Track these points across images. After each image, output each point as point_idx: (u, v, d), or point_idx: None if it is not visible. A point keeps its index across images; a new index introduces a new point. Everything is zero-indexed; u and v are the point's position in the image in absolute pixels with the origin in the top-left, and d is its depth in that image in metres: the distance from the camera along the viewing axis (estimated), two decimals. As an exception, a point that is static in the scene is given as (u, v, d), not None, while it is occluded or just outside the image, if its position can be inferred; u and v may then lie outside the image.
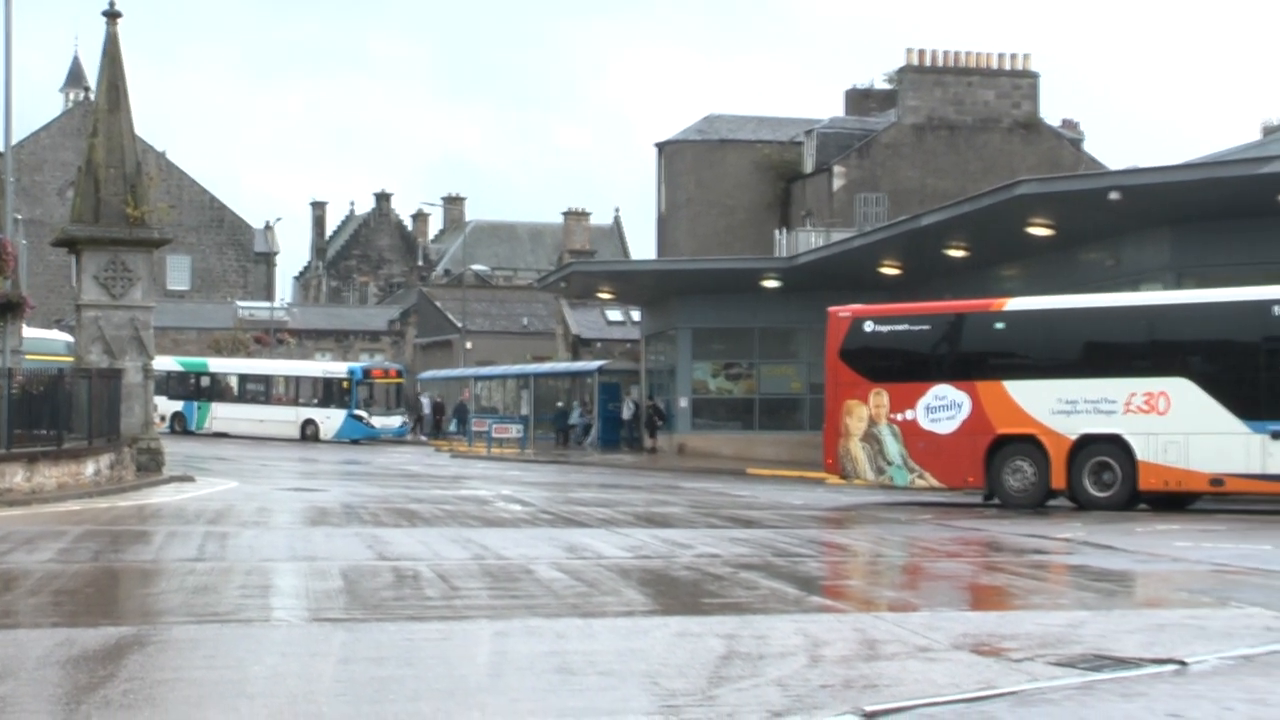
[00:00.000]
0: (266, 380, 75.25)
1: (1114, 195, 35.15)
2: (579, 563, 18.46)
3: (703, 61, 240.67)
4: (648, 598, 15.46)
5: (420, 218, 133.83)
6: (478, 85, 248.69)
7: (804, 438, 50.96)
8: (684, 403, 58.50)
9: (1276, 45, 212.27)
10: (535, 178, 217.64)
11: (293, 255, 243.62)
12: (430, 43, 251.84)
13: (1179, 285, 36.24)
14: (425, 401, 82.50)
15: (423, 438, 77.05)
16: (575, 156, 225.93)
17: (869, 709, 9.37)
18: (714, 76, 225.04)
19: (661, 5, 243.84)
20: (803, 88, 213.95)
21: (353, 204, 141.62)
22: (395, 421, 73.64)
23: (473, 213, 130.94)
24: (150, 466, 35.02)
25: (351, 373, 73.18)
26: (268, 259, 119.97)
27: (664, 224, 74.74)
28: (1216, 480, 28.18)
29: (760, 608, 14.53)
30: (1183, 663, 11.14)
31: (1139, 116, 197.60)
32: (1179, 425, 28.26)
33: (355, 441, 69.81)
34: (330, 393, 72.21)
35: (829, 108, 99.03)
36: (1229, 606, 14.54)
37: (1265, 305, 28.33)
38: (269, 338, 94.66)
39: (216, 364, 77.94)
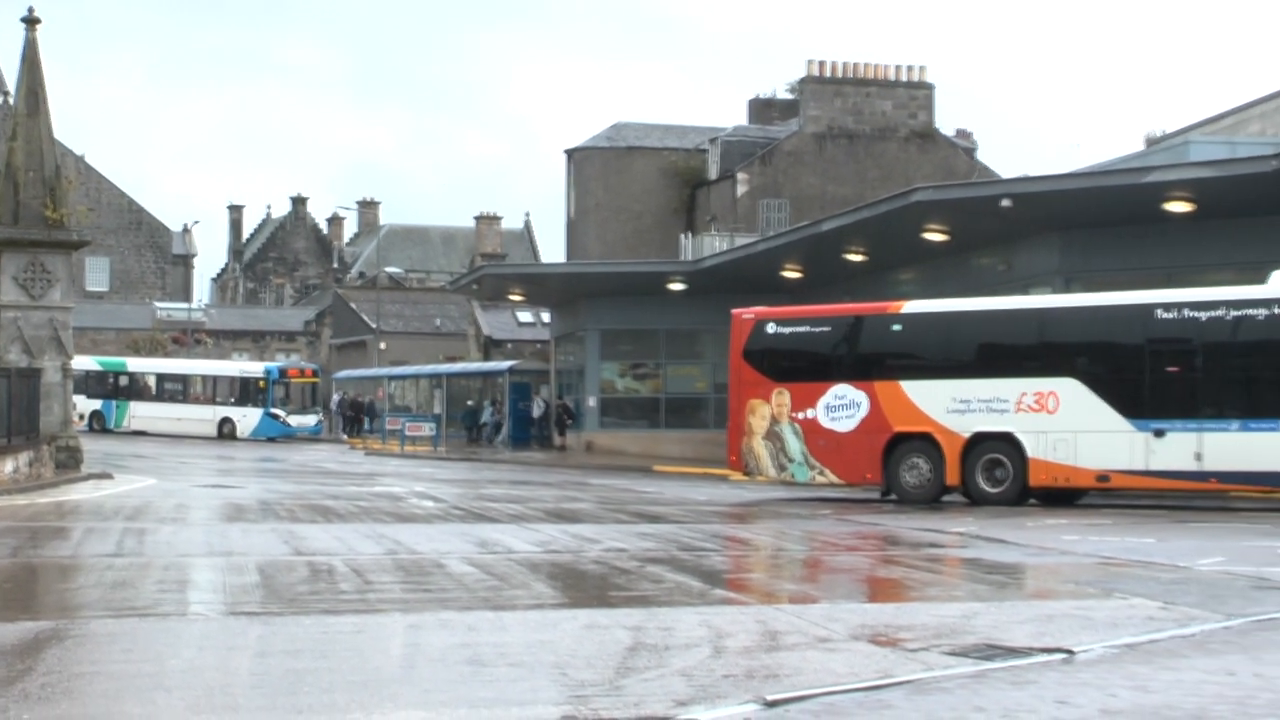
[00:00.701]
0: (184, 380, 74.74)
1: (1005, 203, 35.42)
2: (490, 557, 18.41)
3: (607, 70, 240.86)
4: (557, 591, 15.44)
5: (335, 221, 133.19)
6: (388, 92, 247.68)
7: (708, 436, 51.06)
8: (592, 402, 58.49)
9: (1158, 60, 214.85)
10: (446, 183, 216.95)
11: (210, 257, 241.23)
12: (340, 50, 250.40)
13: (1067, 289, 36.56)
14: (335, 399, 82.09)
15: (343, 436, 76.59)
16: (484, 162, 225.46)
17: (771, 698, 9.38)
18: (619, 85, 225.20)
19: (564, 16, 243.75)
20: (707, 97, 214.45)
21: (269, 208, 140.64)
22: (311, 420, 73.42)
23: (387, 216, 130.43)
24: (69, 464, 34.64)
25: (268, 372, 72.75)
26: (185, 261, 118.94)
27: (573, 228, 74.68)
28: (1103, 476, 28.45)
29: (666, 600, 14.53)
30: (1070, 652, 11.22)
31: (1029, 127, 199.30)
32: (1068, 424, 28.51)
33: (271, 439, 69.45)
34: (247, 392, 71.82)
35: (733, 116, 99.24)
36: (1114, 597, 14.65)
37: (1149, 308, 28.62)
38: (187, 338, 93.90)
39: (135, 364, 77.30)
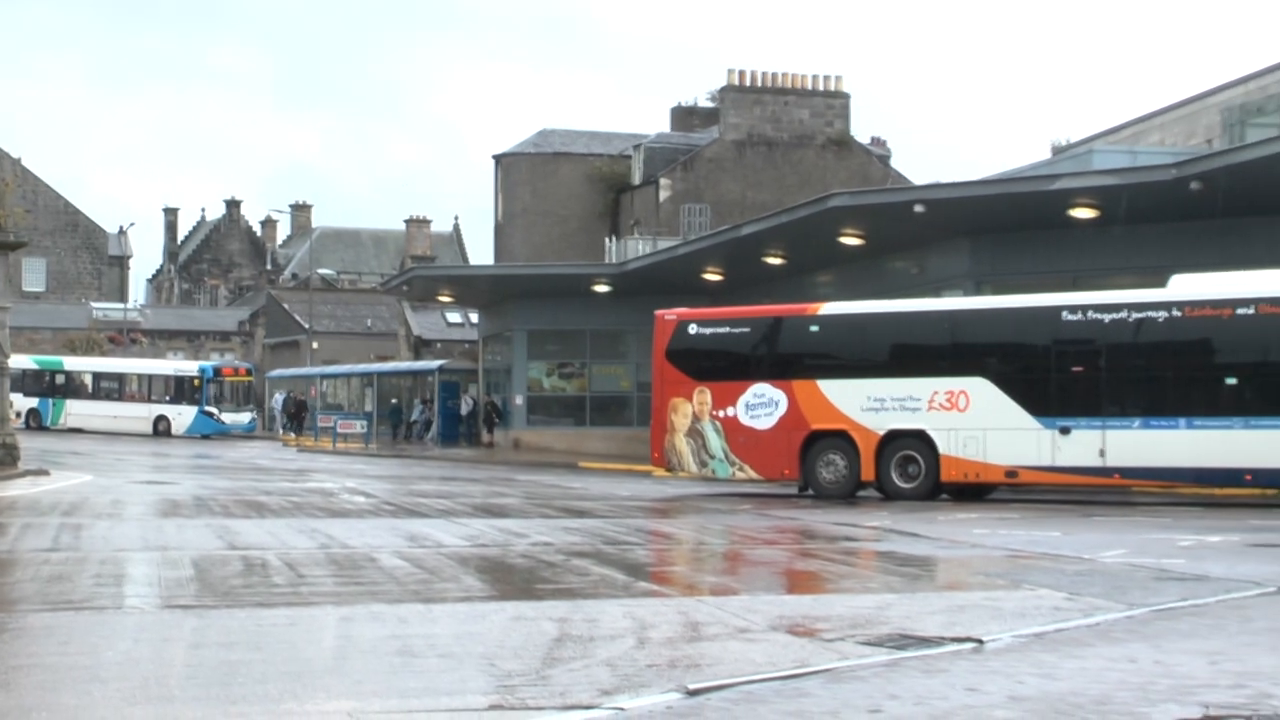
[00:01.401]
0: (120, 378, 74.24)
1: (918, 208, 35.63)
2: (420, 551, 18.35)
3: (531, 78, 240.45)
4: (485, 584, 15.40)
5: (269, 224, 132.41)
6: (315, 96, 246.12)
7: (632, 433, 51.04)
8: (519, 400, 58.40)
9: (1064, 71, 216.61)
10: (375, 186, 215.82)
11: (146, 259, 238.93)
12: (268, 55, 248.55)
13: (978, 292, 36.79)
14: (279, 398, 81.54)
15: (288, 433, 76.07)
16: (412, 166, 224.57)
17: (693, 687, 9.39)
18: (544, 92, 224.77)
19: (487, 23, 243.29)
20: (631, 105, 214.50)
21: (204, 210, 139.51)
22: (245, 417, 73.07)
23: (319, 219, 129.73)
24: (6, 461, 34.29)
25: (203, 371, 72.34)
26: (121, 262, 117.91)
27: (501, 232, 74.53)
28: (1011, 472, 28.64)
29: (591, 593, 14.53)
30: (980, 641, 11.28)
31: (941, 135, 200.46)
32: (978, 421, 28.68)
33: (206, 436, 69.08)
34: (182, 390, 71.42)
35: (656, 123, 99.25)
36: (1022, 588, 14.75)
37: (1055, 310, 28.86)
38: (123, 337, 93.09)
39: (72, 362, 76.66)
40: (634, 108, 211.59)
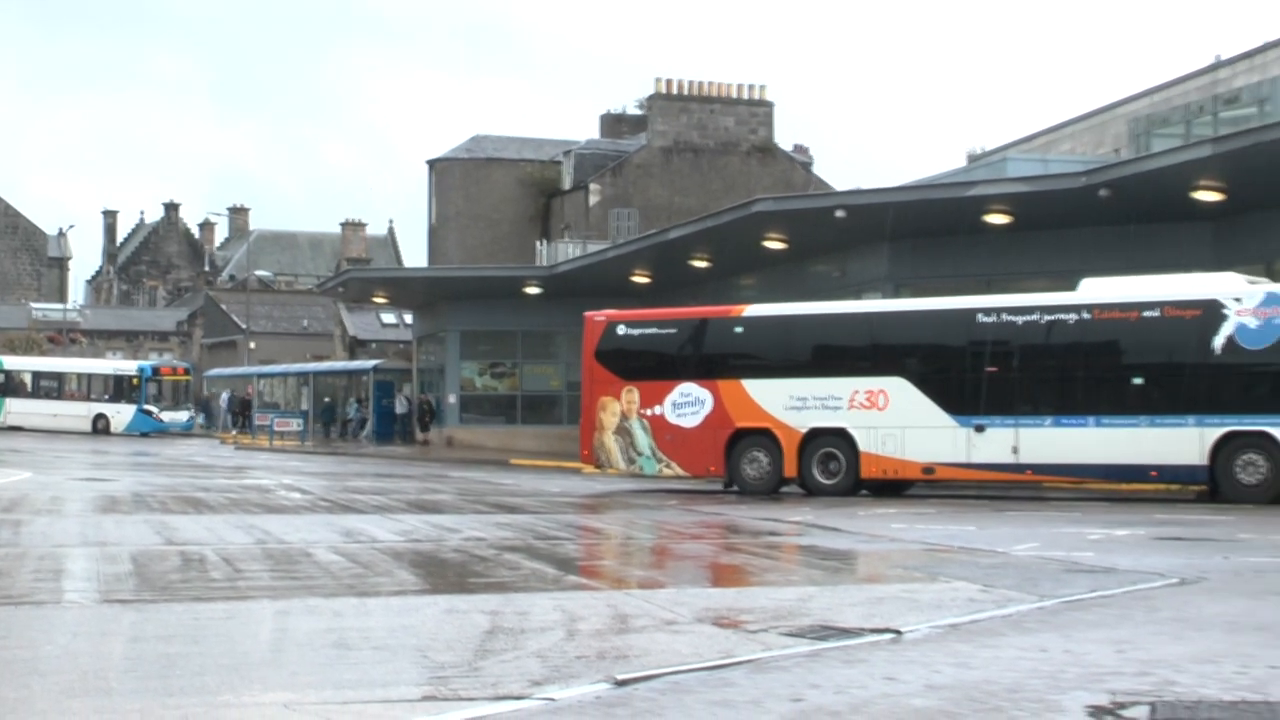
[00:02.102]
0: (60, 377, 73.64)
1: (840, 213, 35.77)
2: (355, 546, 18.26)
3: (463, 85, 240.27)
4: (419, 578, 15.34)
5: (207, 226, 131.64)
6: (248, 102, 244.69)
7: (562, 431, 51.00)
8: (453, 399, 58.25)
9: (980, 82, 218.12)
10: (308, 190, 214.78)
11: (85, 260, 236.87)
12: (203, 61, 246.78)
13: (896, 294, 36.99)
14: (225, 397, 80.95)
15: (232, 431, 75.59)
16: (345, 170, 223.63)
17: (621, 678, 9.38)
18: (475, 100, 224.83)
19: (417, 32, 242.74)
20: (561, 112, 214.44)
21: (143, 213, 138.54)
22: (183, 416, 72.65)
23: (256, 222, 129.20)
24: (-53, 458, 33.86)
25: (141, 370, 71.83)
26: (61, 263, 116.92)
27: (435, 235, 74.30)
28: (928, 469, 28.80)
29: (522, 586, 14.50)
30: (898, 632, 11.32)
31: (861, 143, 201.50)
32: (896, 420, 28.81)
33: (145, 434, 68.55)
34: (121, 389, 70.89)
35: (586, 130, 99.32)
36: (938, 581, 14.82)
37: (970, 313, 29.04)
38: (62, 337, 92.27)
39: (11, 362, 75.89)
40: (564, 115, 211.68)
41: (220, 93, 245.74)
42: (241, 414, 76.93)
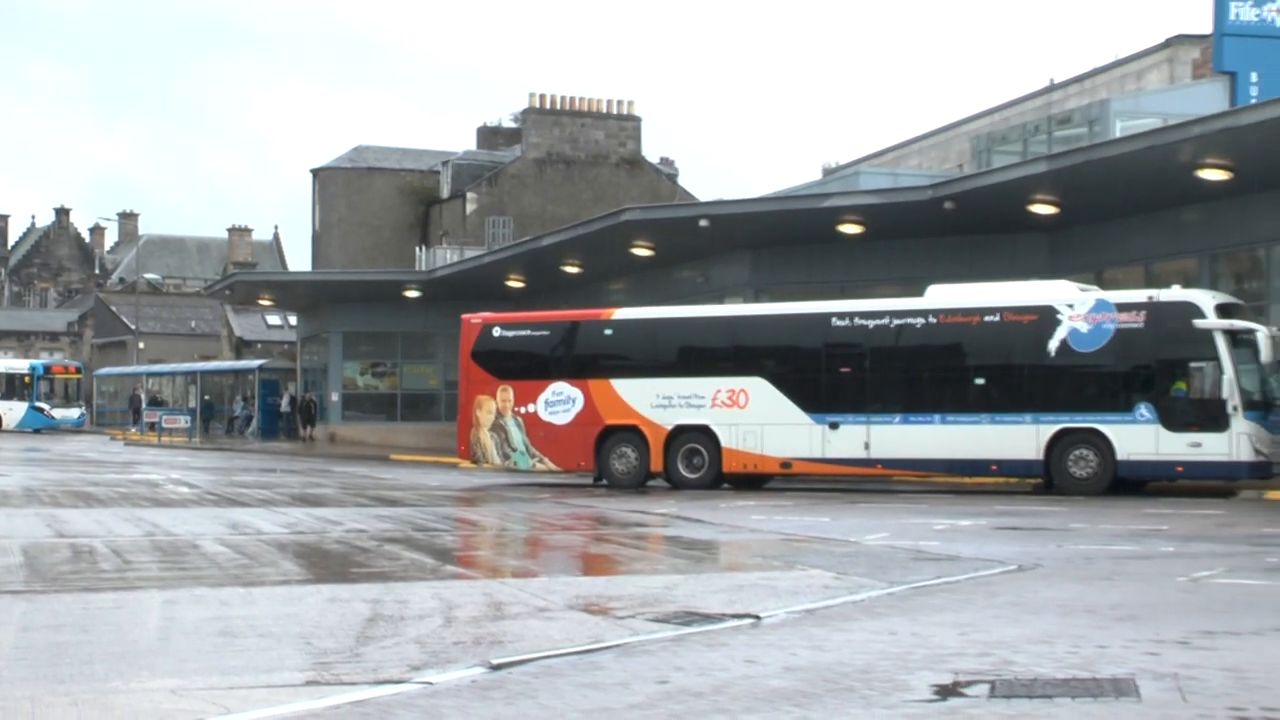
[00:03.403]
0: (-48, 376, 71.98)
1: (703, 223, 35.92)
2: (241, 538, 18.04)
3: (342, 97, 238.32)
4: (302, 568, 15.18)
5: (97, 231, 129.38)
6: (129, 109, 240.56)
7: (440, 428, 50.73)
8: (335, 397, 57.72)
9: (835, 100, 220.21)
10: (193, 196, 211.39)
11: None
12: (82, 69, 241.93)
13: (756, 299, 37.23)
14: (142, 396, 79.49)
15: (133, 430, 74.20)
16: (226, 177, 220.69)
17: (496, 662, 9.36)
18: (348, 110, 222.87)
19: (285, 44, 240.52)
20: (439, 124, 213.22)
21: (34, 217, 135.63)
22: (74, 413, 71.46)
23: (146, 227, 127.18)
24: None
25: (33, 369, 70.54)
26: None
27: (318, 240, 73.61)
28: (786, 464, 28.97)
29: (402, 576, 14.40)
30: (758, 617, 11.38)
31: (724, 156, 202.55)
32: (756, 417, 28.97)
33: (38, 431, 67.30)
34: (13, 387, 69.56)
35: (463, 142, 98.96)
36: (795, 569, 14.90)
37: (825, 317, 29.26)
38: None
39: (-96, 360, 74.13)
40: (442, 128, 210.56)
41: (101, 100, 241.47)
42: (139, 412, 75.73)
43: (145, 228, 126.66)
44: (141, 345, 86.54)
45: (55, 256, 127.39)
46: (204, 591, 12.99)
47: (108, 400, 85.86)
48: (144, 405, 77.00)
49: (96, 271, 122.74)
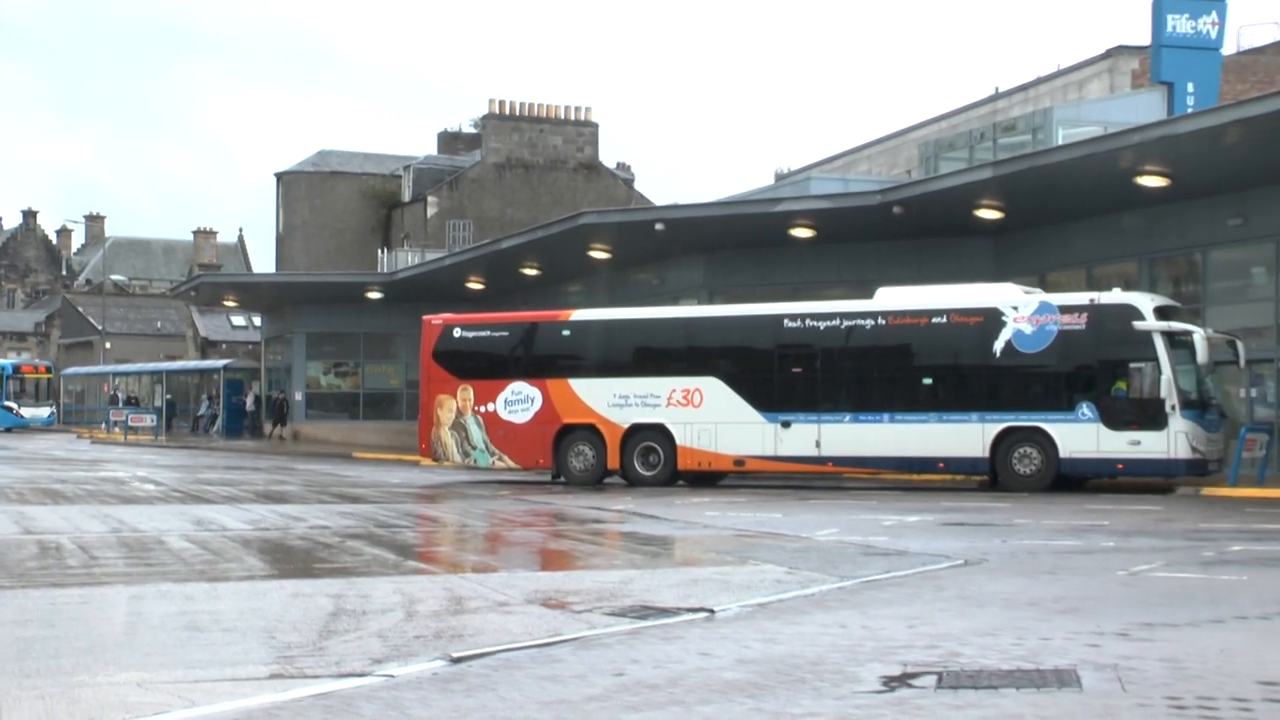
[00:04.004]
0: (-79, 375, 71.34)
1: (659, 226, 35.95)
2: (206, 534, 17.94)
3: (294, 101, 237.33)
4: (267, 564, 15.11)
5: (65, 233, 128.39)
6: (95, 114, 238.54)
7: (402, 426, 50.60)
8: (299, 396, 57.52)
9: (787, 107, 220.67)
10: (158, 199, 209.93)
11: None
12: (45, 73, 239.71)
13: (710, 301, 37.28)
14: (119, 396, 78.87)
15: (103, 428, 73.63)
16: (189, 180, 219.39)
17: (456, 655, 9.34)
18: (313, 117, 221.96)
19: (246, 51, 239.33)
20: (401, 129, 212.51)
21: (0, 219, 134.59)
22: (44, 412, 70.80)
23: (112, 229, 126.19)
24: None
25: (2, 368, 69.84)
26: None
27: (282, 243, 73.34)
28: (739, 461, 29.00)
29: (364, 571, 14.35)
30: (712, 611, 11.39)
31: (678, 161, 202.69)
32: (710, 416, 29.00)
33: (8, 430, 66.68)
34: None
35: (424, 147, 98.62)
36: (748, 564, 14.93)
37: (778, 319, 29.32)
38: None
39: (-127, 359, 73.40)
40: (404, 132, 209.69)
41: (65, 104, 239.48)
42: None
43: (112, 230, 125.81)
44: (108, 345, 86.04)
45: (23, 258, 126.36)
46: (169, 587, 12.91)
47: (75, 399, 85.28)
48: (121, 403, 76.57)
49: (64, 273, 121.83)
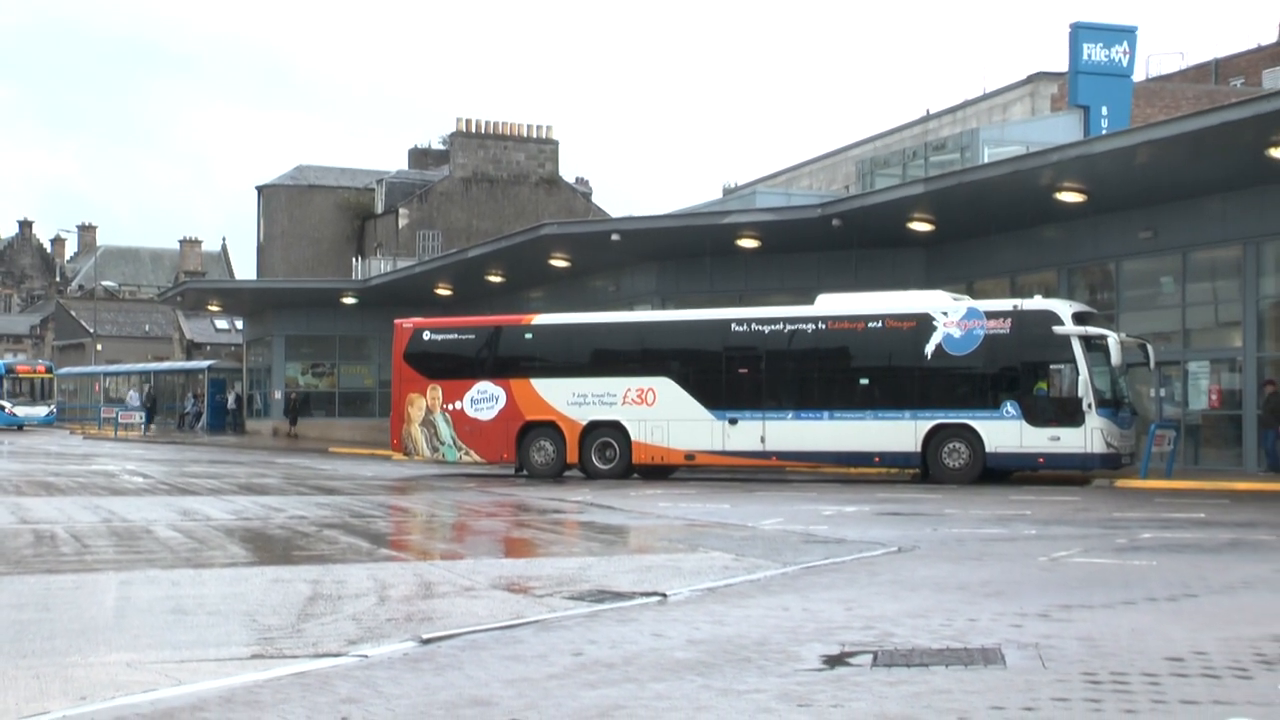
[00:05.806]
0: (-79, 375, 70.51)
1: (615, 237, 35.98)
2: (191, 524, 17.83)
3: (267, 118, 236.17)
4: (248, 551, 15.03)
5: (58, 241, 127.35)
6: (77, 129, 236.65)
7: (375, 423, 50.44)
8: (278, 395, 57.25)
9: (733, 124, 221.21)
10: (141, 210, 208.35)
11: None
12: (29, 88, 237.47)
13: (663, 306, 37.31)
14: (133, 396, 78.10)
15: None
16: (172, 192, 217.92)
17: (426, 637, 9.32)
18: (286, 131, 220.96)
19: (218, 70, 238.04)
20: (374, 145, 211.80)
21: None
22: (42, 411, 69.78)
23: (103, 238, 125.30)
24: None
25: (-2, 369, 69.19)
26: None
27: (263, 251, 73.00)
28: (690, 455, 29.04)
29: (340, 558, 14.29)
30: (664, 595, 11.40)
31: (633, 176, 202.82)
32: (663, 414, 29.02)
33: (4, 429, 65.94)
34: None
35: (396, 162, 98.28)
36: (698, 551, 14.95)
37: (726, 323, 29.38)
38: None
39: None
40: (375, 149, 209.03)
41: (48, 118, 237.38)
42: (150, 409, 74.03)
43: (103, 239, 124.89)
44: (99, 347, 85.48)
45: (18, 265, 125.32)
46: (157, 573, 12.83)
47: (68, 398, 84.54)
48: (139, 402, 75.76)
49: (57, 279, 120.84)
